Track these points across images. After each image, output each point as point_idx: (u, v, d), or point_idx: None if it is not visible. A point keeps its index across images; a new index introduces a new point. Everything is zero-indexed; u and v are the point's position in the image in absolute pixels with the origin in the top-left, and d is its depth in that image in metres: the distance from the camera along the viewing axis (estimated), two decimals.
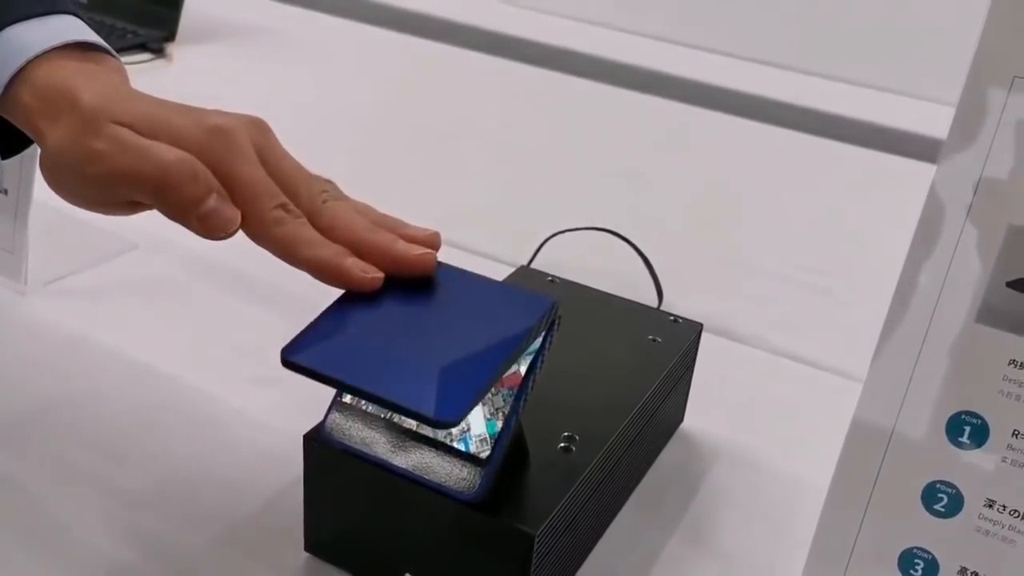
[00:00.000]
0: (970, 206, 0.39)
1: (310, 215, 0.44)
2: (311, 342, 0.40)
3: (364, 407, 0.43)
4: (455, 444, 0.42)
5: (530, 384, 0.42)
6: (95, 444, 0.55)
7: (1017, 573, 0.42)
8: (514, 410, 0.41)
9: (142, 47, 1.15)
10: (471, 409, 0.38)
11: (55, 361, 0.61)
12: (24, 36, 0.48)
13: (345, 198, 0.46)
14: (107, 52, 0.50)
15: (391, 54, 1.29)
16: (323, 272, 0.43)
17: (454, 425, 0.37)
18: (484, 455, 0.41)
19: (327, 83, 1.17)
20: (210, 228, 0.42)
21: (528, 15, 1.47)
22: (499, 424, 0.42)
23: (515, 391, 0.42)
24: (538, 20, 1.45)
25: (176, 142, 0.43)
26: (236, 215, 0.43)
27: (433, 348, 0.39)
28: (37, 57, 0.47)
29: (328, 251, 0.43)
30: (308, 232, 0.43)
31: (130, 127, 0.44)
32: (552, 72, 1.25)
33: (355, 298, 0.42)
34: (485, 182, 0.95)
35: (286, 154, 0.46)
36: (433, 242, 0.45)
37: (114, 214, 0.46)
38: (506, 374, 0.42)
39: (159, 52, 1.16)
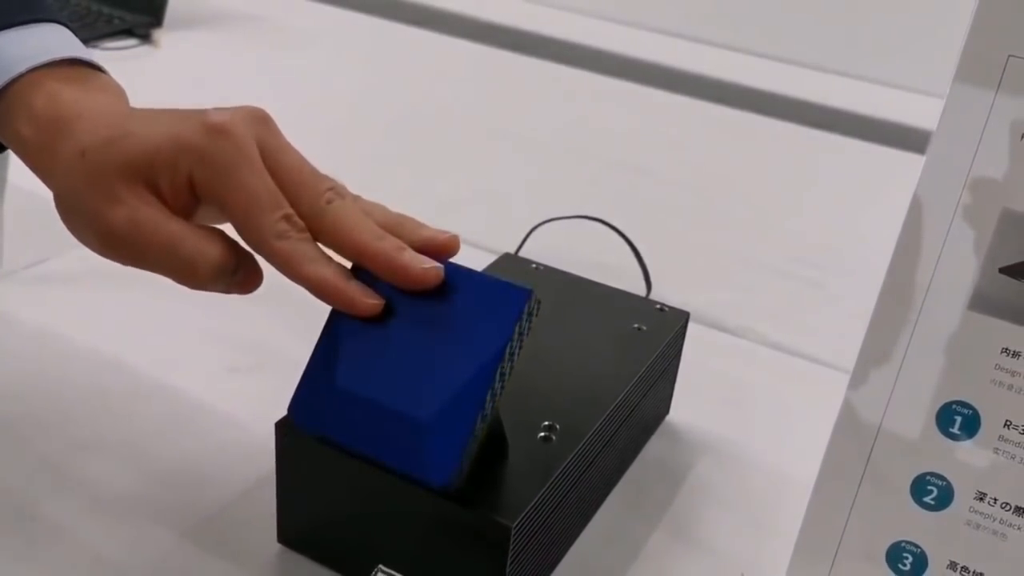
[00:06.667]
0: (960, 195, 0.38)
1: (312, 217, 0.42)
2: (310, 397, 0.42)
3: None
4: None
5: (497, 374, 0.40)
6: (64, 433, 0.53)
7: (1008, 568, 0.41)
8: (479, 400, 0.40)
9: (127, 32, 1.14)
10: (466, 462, 0.39)
11: (28, 347, 0.60)
12: (7, 49, 0.43)
13: (352, 197, 0.44)
14: (97, 68, 0.46)
15: (378, 41, 1.28)
16: (323, 292, 0.41)
17: (454, 486, 0.39)
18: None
19: (314, 70, 1.15)
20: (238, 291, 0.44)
21: (518, 4, 1.46)
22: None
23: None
24: (528, 9, 1.43)
25: (176, 153, 0.41)
26: (259, 280, 0.44)
27: (415, 383, 0.40)
28: (23, 75, 0.43)
29: (328, 270, 0.41)
30: (310, 248, 0.41)
31: (132, 167, 0.41)
32: (546, 62, 1.24)
33: (340, 325, 0.42)
34: (474, 171, 0.94)
35: (289, 148, 0.43)
36: (451, 246, 0.43)
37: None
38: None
39: (145, 38, 1.15)
